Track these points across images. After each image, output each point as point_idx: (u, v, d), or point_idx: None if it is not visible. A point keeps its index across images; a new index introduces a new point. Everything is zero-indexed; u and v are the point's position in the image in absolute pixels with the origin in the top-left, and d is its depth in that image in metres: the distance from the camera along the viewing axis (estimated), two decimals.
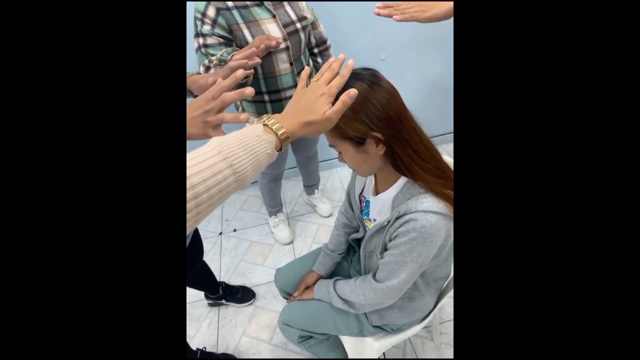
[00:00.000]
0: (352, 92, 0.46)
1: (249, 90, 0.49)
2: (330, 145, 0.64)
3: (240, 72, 0.51)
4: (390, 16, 0.72)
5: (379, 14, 0.73)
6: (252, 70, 0.52)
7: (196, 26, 0.99)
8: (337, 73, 0.49)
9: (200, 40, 0.99)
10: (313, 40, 1.19)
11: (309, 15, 1.11)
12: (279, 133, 0.43)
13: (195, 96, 0.69)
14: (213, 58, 0.93)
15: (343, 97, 0.46)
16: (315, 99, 0.46)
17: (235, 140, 0.39)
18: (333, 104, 0.46)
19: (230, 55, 0.88)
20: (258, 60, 0.58)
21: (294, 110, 0.46)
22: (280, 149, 0.43)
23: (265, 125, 0.43)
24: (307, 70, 0.53)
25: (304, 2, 1.11)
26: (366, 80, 0.57)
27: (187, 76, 0.68)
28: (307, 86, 0.49)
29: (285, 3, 1.06)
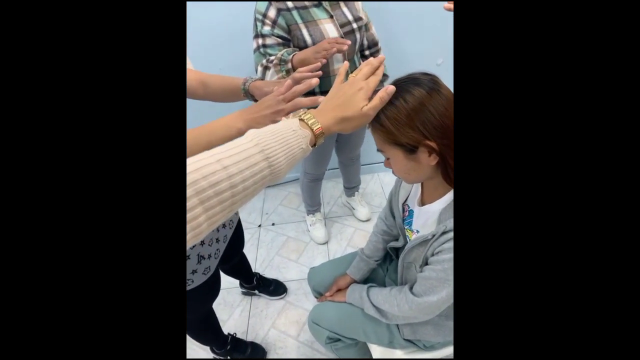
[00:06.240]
0: (390, 88, 0.46)
1: (322, 99, 0.50)
2: (378, 150, 0.63)
3: (315, 81, 0.54)
4: None
5: (449, 9, 0.71)
6: (318, 80, 0.56)
7: (256, 27, 1.02)
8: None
9: (260, 40, 1.02)
10: (365, 42, 1.19)
11: (363, 17, 1.11)
12: (314, 128, 0.43)
13: (256, 100, 0.72)
14: (272, 58, 0.96)
15: (380, 93, 0.45)
16: (353, 93, 0.46)
17: (272, 133, 0.39)
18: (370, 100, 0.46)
19: (291, 56, 0.92)
20: (319, 72, 0.61)
21: (331, 105, 0.46)
22: (314, 145, 0.44)
23: (301, 120, 0.43)
24: (345, 65, 0.52)
25: (359, 3, 1.12)
26: (425, 86, 0.55)
27: (249, 81, 0.71)
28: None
29: (342, 4, 1.07)
